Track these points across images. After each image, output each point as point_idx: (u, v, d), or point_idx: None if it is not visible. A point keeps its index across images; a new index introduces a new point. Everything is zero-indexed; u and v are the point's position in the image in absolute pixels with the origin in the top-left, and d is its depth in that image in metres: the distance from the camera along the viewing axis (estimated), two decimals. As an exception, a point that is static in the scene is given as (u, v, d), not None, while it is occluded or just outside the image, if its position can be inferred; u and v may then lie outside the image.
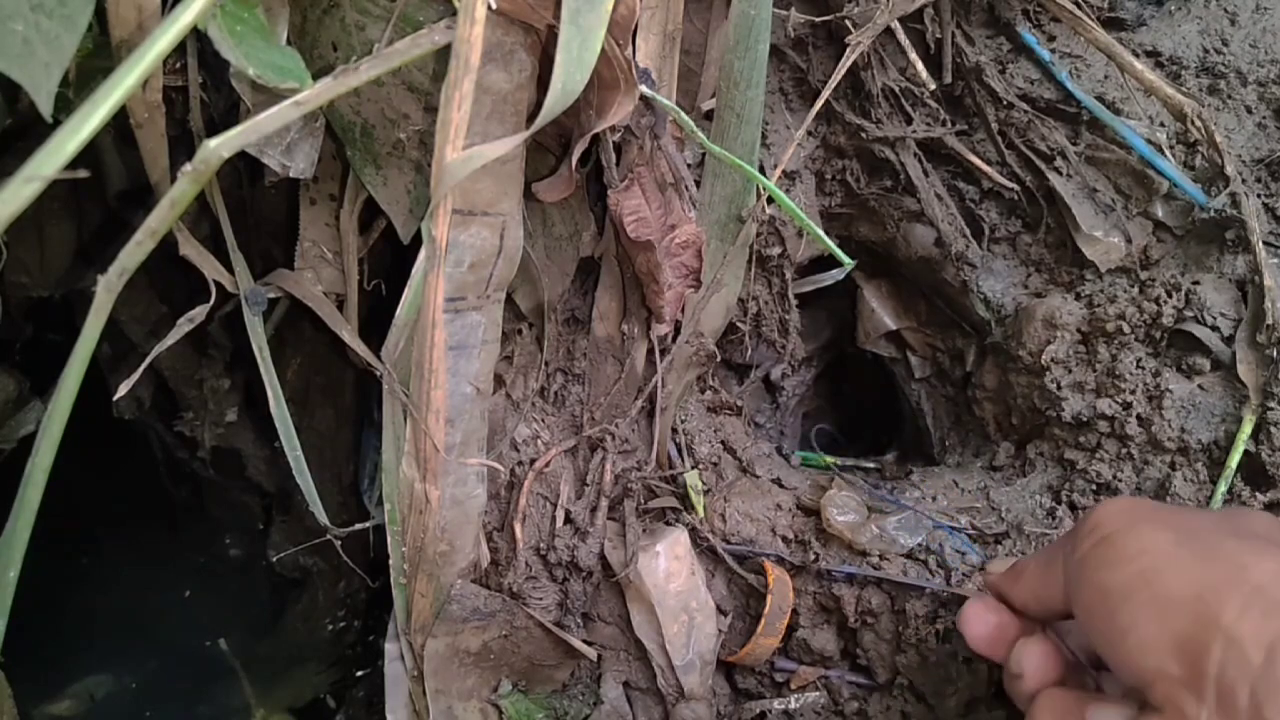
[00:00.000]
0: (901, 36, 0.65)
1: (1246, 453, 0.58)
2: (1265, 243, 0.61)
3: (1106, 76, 0.67)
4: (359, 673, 0.86)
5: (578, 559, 0.59)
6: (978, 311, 0.73)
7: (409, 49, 0.43)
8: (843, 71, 0.62)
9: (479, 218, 0.49)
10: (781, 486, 0.66)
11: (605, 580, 0.61)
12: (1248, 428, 0.58)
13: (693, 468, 0.64)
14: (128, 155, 0.57)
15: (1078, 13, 0.63)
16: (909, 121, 0.68)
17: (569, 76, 0.43)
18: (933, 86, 0.66)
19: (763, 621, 0.59)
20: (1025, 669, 0.45)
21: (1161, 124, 0.66)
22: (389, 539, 0.56)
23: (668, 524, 0.62)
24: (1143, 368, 0.62)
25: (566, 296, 0.62)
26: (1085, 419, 0.64)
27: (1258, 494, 0.57)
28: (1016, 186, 0.68)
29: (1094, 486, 0.63)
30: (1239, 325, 0.60)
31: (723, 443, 0.67)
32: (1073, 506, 0.63)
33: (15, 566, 0.43)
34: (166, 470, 0.97)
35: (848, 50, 0.61)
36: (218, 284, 0.56)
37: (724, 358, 0.76)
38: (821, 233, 0.58)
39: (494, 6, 0.43)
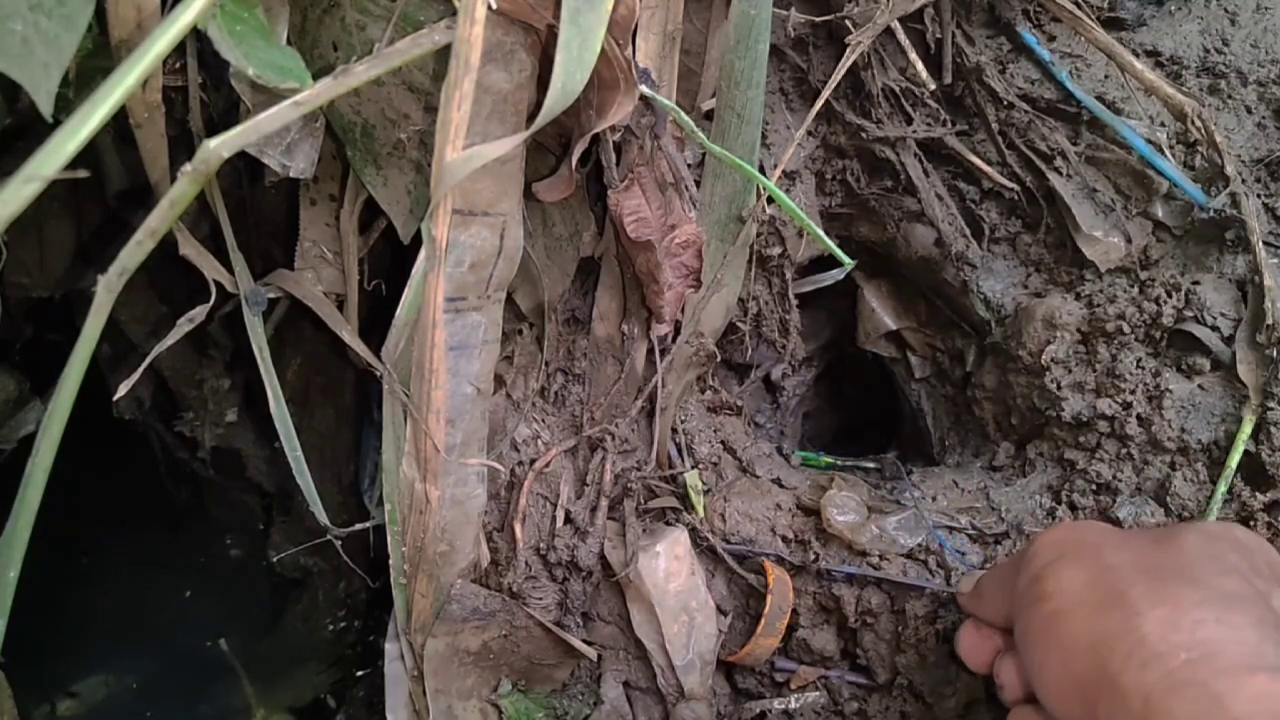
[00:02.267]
0: (901, 36, 0.65)
1: (1246, 453, 0.58)
2: (1265, 243, 0.61)
3: (1106, 76, 0.67)
4: (359, 673, 0.86)
5: (578, 559, 0.59)
6: (978, 311, 0.73)
7: (409, 49, 0.43)
8: (843, 71, 0.62)
9: (479, 218, 0.49)
10: (781, 486, 0.66)
11: (605, 580, 0.61)
12: (1248, 428, 0.58)
13: (693, 468, 0.64)
14: (128, 155, 0.57)
15: (1078, 13, 0.63)
16: (909, 121, 0.68)
17: (569, 76, 0.43)
18: (933, 86, 0.66)
19: (763, 621, 0.59)
20: (1003, 681, 0.46)
21: (1161, 124, 0.66)
22: (389, 539, 0.56)
23: (668, 524, 0.62)
24: (1143, 368, 0.62)
25: (566, 296, 0.62)
26: (1085, 419, 0.64)
27: (1258, 494, 0.57)
28: (1016, 186, 0.68)
29: (1094, 486, 0.63)
30: (1239, 325, 0.60)
31: (723, 443, 0.67)
32: (1073, 507, 0.63)
33: (15, 566, 0.43)
34: (166, 470, 0.97)
35: (848, 50, 0.61)
36: (218, 284, 0.56)
37: (724, 358, 0.76)
38: (821, 233, 0.58)
39: (494, 6, 0.42)
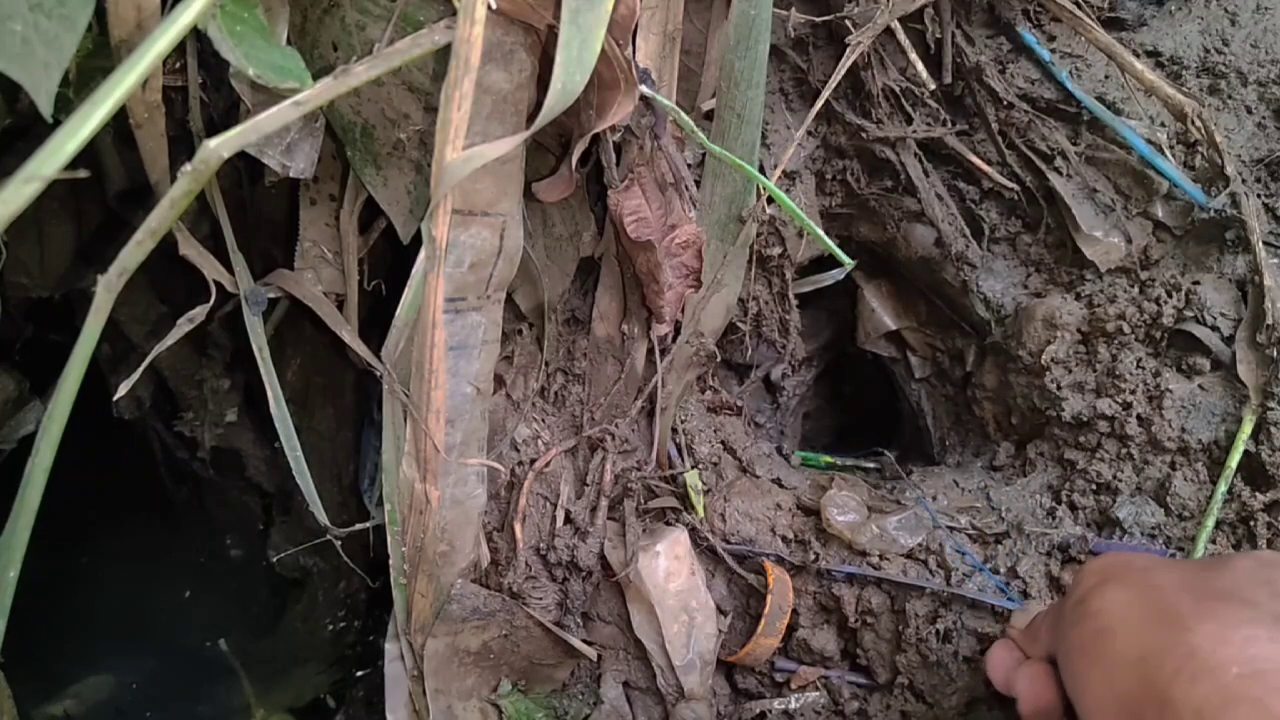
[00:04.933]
0: (901, 36, 0.65)
1: (1246, 453, 0.58)
2: (1265, 243, 0.61)
3: (1107, 76, 0.67)
4: (359, 673, 0.86)
5: (578, 559, 0.59)
6: (978, 311, 0.73)
7: (409, 49, 0.43)
8: (843, 71, 0.62)
9: (479, 218, 0.49)
10: (781, 486, 0.66)
11: (605, 580, 0.61)
12: (1248, 428, 0.58)
13: (693, 468, 0.64)
14: (128, 155, 0.57)
15: (1078, 13, 0.63)
16: (909, 121, 0.68)
17: (569, 76, 0.43)
18: (933, 86, 0.66)
19: (763, 621, 0.59)
20: (1019, 691, 0.46)
21: (1161, 124, 0.66)
22: (389, 539, 0.56)
23: (668, 524, 0.62)
24: (1143, 368, 0.62)
25: (566, 296, 0.62)
26: (1085, 419, 0.64)
27: (1258, 494, 0.57)
28: (1016, 186, 0.68)
29: (1094, 486, 0.63)
30: (1239, 325, 0.60)
31: (723, 443, 0.67)
32: (1073, 507, 0.63)
33: (15, 566, 0.43)
34: (166, 470, 0.97)
35: (848, 50, 0.61)
36: (218, 284, 0.56)
37: (724, 358, 0.76)
38: (821, 233, 0.58)
39: (494, 6, 0.43)
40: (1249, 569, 0.39)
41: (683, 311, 0.61)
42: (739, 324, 0.70)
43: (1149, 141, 0.64)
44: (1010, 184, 0.68)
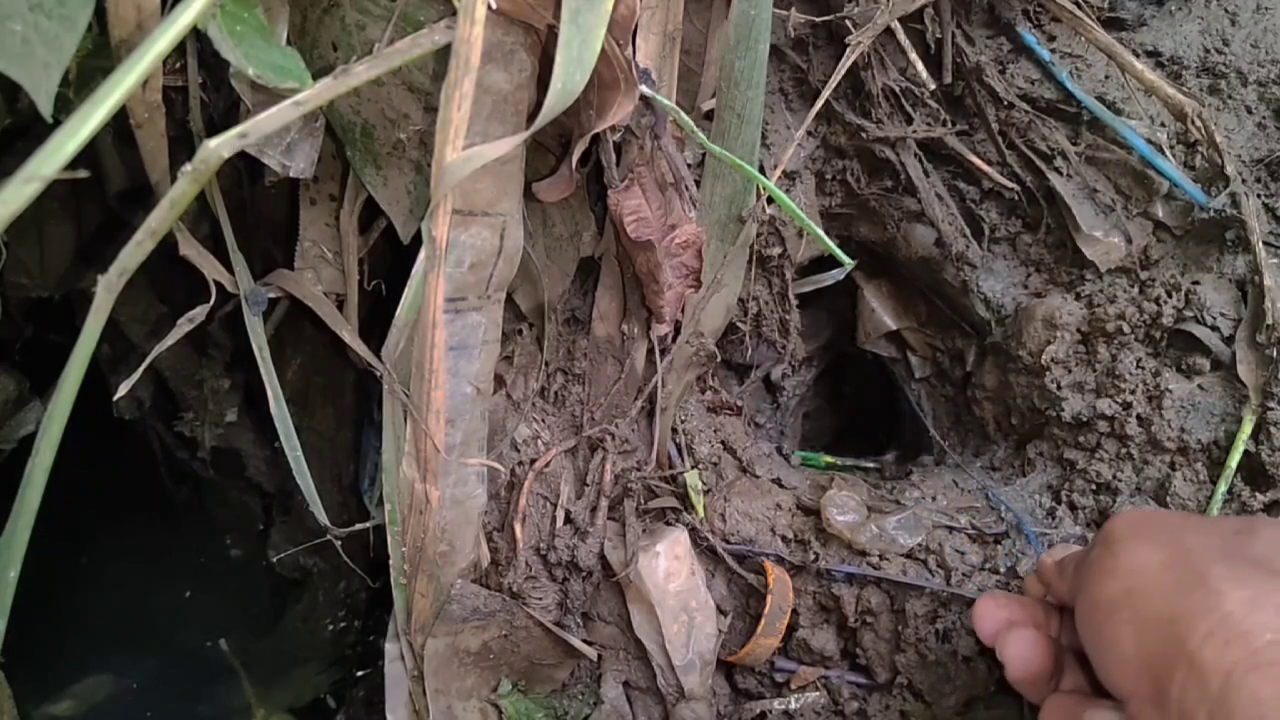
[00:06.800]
0: (901, 36, 0.65)
1: (1246, 453, 0.58)
2: (1265, 243, 0.61)
3: (1107, 76, 0.67)
4: (359, 673, 0.86)
5: (578, 559, 0.59)
6: (978, 311, 0.73)
7: (409, 49, 0.43)
8: (843, 71, 0.62)
9: (479, 218, 0.49)
10: (781, 486, 0.66)
11: (605, 580, 0.61)
12: (1248, 428, 0.58)
13: (693, 468, 0.64)
14: (128, 155, 0.57)
15: (1078, 13, 0.63)
16: (909, 121, 0.68)
17: (569, 76, 0.43)
18: (933, 86, 0.66)
19: (763, 621, 0.59)
20: (1008, 655, 0.46)
21: (1161, 124, 0.66)
22: (389, 539, 0.56)
23: (668, 524, 0.63)
24: (1143, 368, 0.62)
25: (566, 296, 0.62)
26: (1085, 419, 0.64)
27: (1258, 494, 0.57)
28: (1016, 186, 0.68)
29: (1094, 486, 0.63)
30: (1239, 325, 0.60)
31: (723, 443, 0.67)
32: (1072, 506, 0.63)
33: (15, 566, 0.43)
34: (166, 470, 0.97)
35: (848, 50, 0.61)
36: (218, 284, 0.56)
37: (724, 358, 0.76)
38: (821, 233, 0.58)
39: (494, 6, 0.43)
40: (1277, 539, 0.40)
41: (683, 311, 0.61)
42: (739, 324, 0.70)
43: (1149, 141, 0.64)
44: (1010, 184, 0.68)
